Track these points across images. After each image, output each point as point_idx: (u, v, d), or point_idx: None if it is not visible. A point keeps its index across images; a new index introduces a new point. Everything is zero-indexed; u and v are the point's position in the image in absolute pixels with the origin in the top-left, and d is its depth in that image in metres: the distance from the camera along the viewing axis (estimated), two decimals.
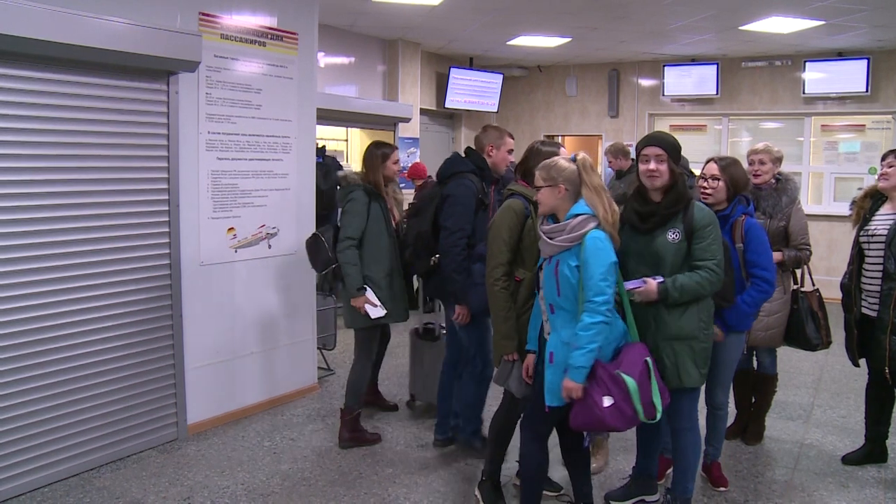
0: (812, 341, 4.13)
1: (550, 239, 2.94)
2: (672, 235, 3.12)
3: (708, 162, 3.66)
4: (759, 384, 4.41)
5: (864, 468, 4.11)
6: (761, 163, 4.17)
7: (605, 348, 2.93)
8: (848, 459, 4.17)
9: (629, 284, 3.09)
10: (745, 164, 3.95)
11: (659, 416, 2.97)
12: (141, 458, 4.12)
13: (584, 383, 2.85)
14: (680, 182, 3.15)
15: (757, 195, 4.15)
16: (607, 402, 2.83)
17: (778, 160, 4.24)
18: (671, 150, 3.15)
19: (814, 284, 4.27)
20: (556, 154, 3.28)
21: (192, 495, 3.72)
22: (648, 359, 2.98)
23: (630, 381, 2.86)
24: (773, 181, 4.21)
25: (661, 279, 3.09)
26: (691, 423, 3.32)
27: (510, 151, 4.13)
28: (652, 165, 3.12)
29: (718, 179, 3.56)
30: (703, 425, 3.94)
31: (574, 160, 3.00)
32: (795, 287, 4.22)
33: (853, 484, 3.93)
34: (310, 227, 5.25)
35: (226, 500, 3.68)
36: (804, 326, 4.12)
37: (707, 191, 3.57)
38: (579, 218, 2.90)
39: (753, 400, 4.46)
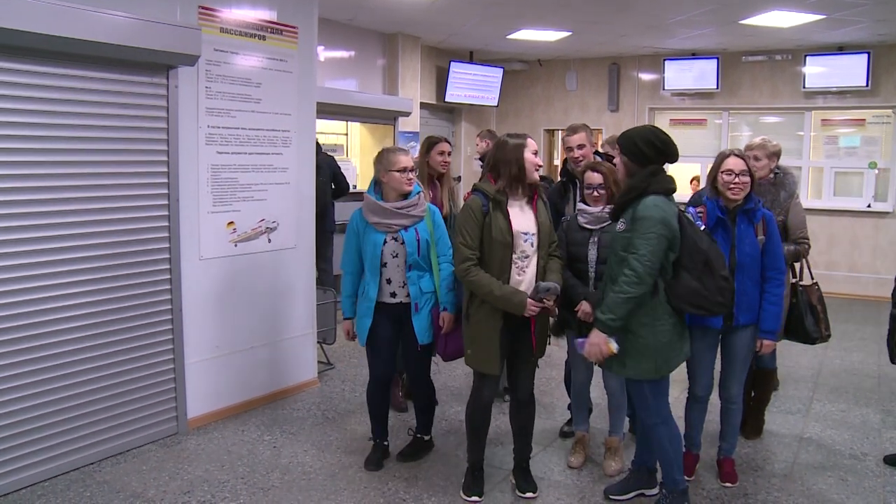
0: (811, 335, 4.13)
1: (409, 212, 3.75)
2: (620, 225, 3.24)
3: (727, 157, 3.63)
4: (758, 379, 4.42)
5: (863, 461, 4.13)
6: (756, 159, 4.13)
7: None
8: (889, 460, 4.13)
9: (578, 347, 3.31)
10: None
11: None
12: (141, 452, 4.13)
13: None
14: (639, 175, 3.21)
15: (756, 190, 4.14)
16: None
17: (775, 154, 4.22)
18: (623, 144, 3.30)
19: (812, 278, 4.27)
20: (524, 144, 3.45)
21: (193, 489, 3.72)
22: None
23: None
24: (772, 176, 4.20)
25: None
26: (661, 417, 3.34)
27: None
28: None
29: (748, 174, 3.58)
30: (711, 419, 3.99)
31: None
32: (794, 281, 4.22)
33: (852, 478, 3.94)
34: (310, 222, 5.26)
35: (226, 493, 3.68)
36: (803, 320, 4.12)
37: (739, 186, 3.56)
38: (421, 194, 3.84)
39: (753, 394, 4.46)
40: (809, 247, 4.21)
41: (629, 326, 3.18)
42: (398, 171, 3.72)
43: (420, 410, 4.14)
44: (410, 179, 3.76)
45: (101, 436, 3.99)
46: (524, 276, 3.44)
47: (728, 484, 3.81)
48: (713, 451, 3.97)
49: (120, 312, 4.02)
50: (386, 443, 4.08)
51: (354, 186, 8.48)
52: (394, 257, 3.75)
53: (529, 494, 3.66)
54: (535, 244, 3.46)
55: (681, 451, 3.43)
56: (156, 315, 4.22)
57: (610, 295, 3.15)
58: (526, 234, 3.44)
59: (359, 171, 8.82)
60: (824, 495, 3.74)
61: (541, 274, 3.48)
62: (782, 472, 4.00)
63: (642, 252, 3.08)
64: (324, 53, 8.08)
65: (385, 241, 3.74)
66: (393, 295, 3.79)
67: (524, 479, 3.72)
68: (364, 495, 3.69)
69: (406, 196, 3.77)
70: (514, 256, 3.42)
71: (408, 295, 3.78)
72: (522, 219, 3.45)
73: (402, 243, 3.74)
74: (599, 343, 3.17)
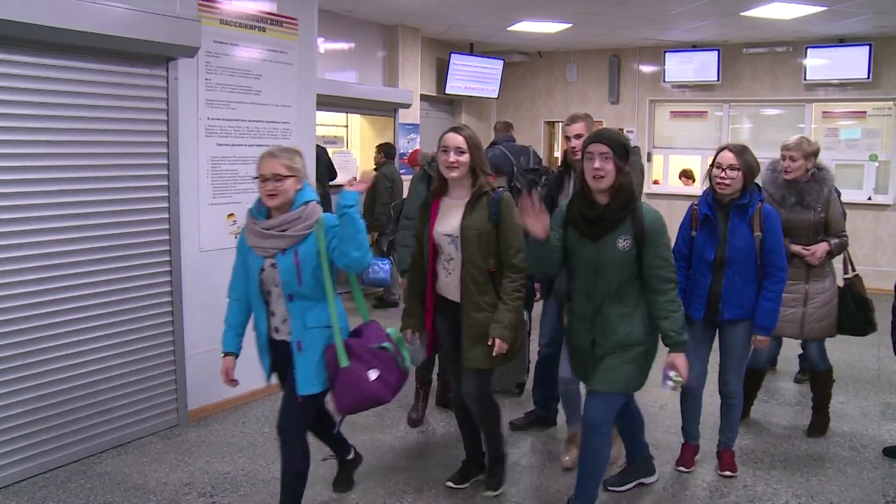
0: (870, 326, 4.17)
1: (284, 231, 2.92)
2: (622, 243, 2.98)
3: (721, 150, 3.59)
4: (814, 381, 4.47)
5: (863, 453, 4.14)
6: (792, 159, 4.08)
7: (345, 328, 3.09)
8: (889, 452, 4.14)
9: (662, 382, 3.10)
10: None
11: (409, 362, 3.20)
12: (142, 443, 4.13)
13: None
14: (626, 182, 2.99)
15: (799, 189, 4.10)
16: (373, 375, 2.99)
17: (812, 154, 4.13)
18: (617, 147, 2.95)
19: (854, 270, 4.27)
20: (441, 139, 3.32)
21: (193, 481, 3.73)
22: (389, 330, 3.21)
23: (390, 346, 3.10)
24: (810, 174, 4.13)
25: (675, 359, 3.06)
26: (608, 429, 3.13)
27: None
28: (597, 164, 2.92)
29: (737, 169, 3.50)
30: (712, 413, 3.99)
31: (296, 150, 3.05)
32: (845, 276, 4.22)
33: (851, 469, 3.95)
34: None
35: (226, 485, 3.69)
36: (855, 313, 4.15)
37: (725, 181, 3.51)
38: (312, 204, 2.98)
39: (813, 396, 4.49)
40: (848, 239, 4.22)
41: (642, 339, 3.07)
42: (257, 178, 2.95)
43: (287, 485, 3.12)
44: (270, 192, 2.90)
45: (102, 427, 4.00)
46: (450, 278, 3.34)
47: (728, 473, 3.82)
48: (713, 443, 3.98)
49: (120, 304, 4.02)
50: (350, 457, 3.61)
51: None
52: (276, 286, 2.99)
53: (489, 493, 3.58)
54: (459, 247, 3.28)
55: (604, 469, 3.25)
56: (156, 307, 4.22)
57: (672, 315, 3.01)
58: (448, 235, 3.30)
59: (359, 164, 8.82)
60: (823, 487, 3.75)
61: (483, 286, 3.27)
62: (782, 464, 4.01)
63: (671, 261, 3.05)
64: (324, 45, 8.06)
65: (263, 268, 2.99)
66: (276, 331, 3.08)
67: (489, 475, 3.64)
68: (365, 487, 3.70)
69: (290, 209, 2.96)
70: (441, 257, 3.35)
71: (290, 332, 3.02)
72: (448, 220, 3.31)
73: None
74: (685, 363, 3.06)
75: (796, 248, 4.09)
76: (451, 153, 3.23)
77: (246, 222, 3.04)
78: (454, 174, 3.26)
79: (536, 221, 2.86)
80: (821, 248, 4.08)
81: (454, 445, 4.17)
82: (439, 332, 3.47)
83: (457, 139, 3.25)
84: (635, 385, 3.13)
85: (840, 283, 4.26)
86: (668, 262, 3.02)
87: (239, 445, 4.18)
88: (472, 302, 3.27)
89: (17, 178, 3.55)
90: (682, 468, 3.86)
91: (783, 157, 4.14)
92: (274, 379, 3.24)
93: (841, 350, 6.21)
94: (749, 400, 4.55)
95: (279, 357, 3.10)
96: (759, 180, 3.73)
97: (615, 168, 2.93)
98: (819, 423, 4.45)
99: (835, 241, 4.14)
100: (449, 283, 3.35)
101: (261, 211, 2.99)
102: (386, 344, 3.10)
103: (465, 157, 3.24)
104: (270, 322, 3.08)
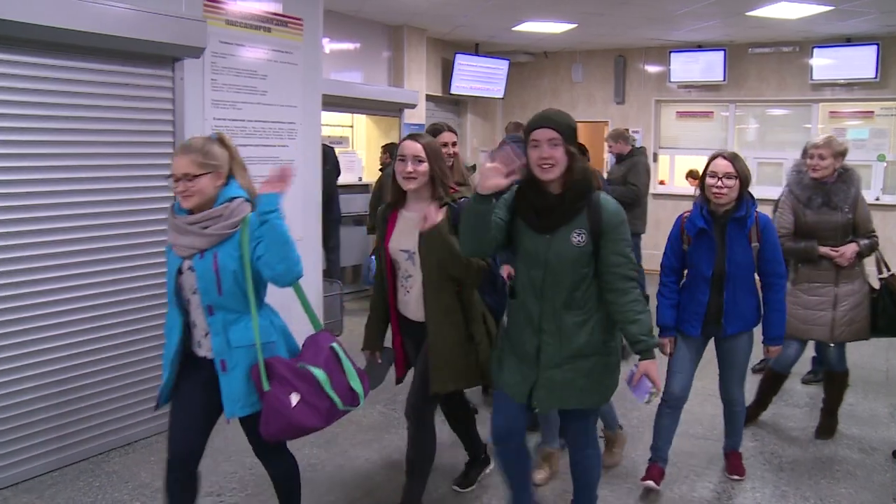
0: None
1: (205, 229, 2.57)
2: (577, 238, 2.64)
3: (713, 158, 3.43)
4: (828, 382, 4.44)
5: (872, 456, 4.12)
6: (821, 157, 4.00)
7: (278, 343, 2.76)
8: None
9: (638, 393, 2.78)
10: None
11: (362, 401, 2.76)
12: (149, 443, 4.14)
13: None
14: (580, 168, 2.66)
15: (826, 190, 4.04)
16: (294, 399, 2.59)
17: (841, 154, 4.07)
18: (566, 130, 2.62)
19: (889, 270, 4.18)
20: (400, 147, 3.08)
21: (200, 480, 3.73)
22: (334, 344, 2.78)
23: (317, 372, 2.65)
24: (836, 174, 4.09)
25: (637, 364, 2.80)
26: (594, 443, 3.01)
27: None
28: (545, 152, 2.59)
29: (733, 177, 3.35)
30: (718, 414, 3.97)
31: (219, 139, 2.68)
32: (881, 276, 4.16)
33: (861, 472, 3.93)
34: (315, 214, 5.26)
35: (234, 485, 3.69)
36: (893, 312, 4.09)
37: (722, 190, 3.34)
38: (237, 201, 2.62)
39: (823, 397, 4.47)
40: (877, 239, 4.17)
41: (599, 349, 2.76)
42: (170, 177, 2.61)
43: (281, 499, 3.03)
44: (183, 193, 2.56)
45: (110, 426, 4.01)
46: (408, 296, 3.15)
47: (735, 476, 3.80)
48: (719, 445, 3.96)
49: (127, 304, 4.03)
50: None
51: (360, 179, 8.49)
52: (193, 294, 2.67)
53: None
54: (417, 264, 3.06)
55: (600, 477, 3.11)
56: (163, 307, 4.18)
57: (640, 318, 2.69)
58: (406, 251, 3.09)
59: (364, 164, 8.82)
60: (833, 490, 3.73)
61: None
62: (790, 466, 3.99)
63: (633, 257, 2.73)
64: (329, 45, 8.06)
65: (181, 270, 2.66)
66: (199, 345, 2.74)
67: None
68: (370, 486, 3.70)
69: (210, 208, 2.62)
70: (399, 273, 3.17)
71: (211, 347, 2.67)
72: (406, 234, 3.09)
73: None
74: (655, 370, 2.76)
75: (824, 249, 4.03)
76: (409, 162, 2.99)
77: (168, 218, 2.72)
78: (412, 185, 3.03)
79: (494, 175, 2.49)
80: (850, 248, 4.02)
81: (457, 447, 4.16)
82: (408, 350, 3.30)
83: (415, 147, 3.01)
84: (598, 399, 2.87)
85: (875, 284, 4.19)
86: (629, 259, 2.69)
87: (245, 445, 4.13)
88: (436, 322, 3.03)
89: (23, 179, 3.56)
90: (650, 483, 3.58)
91: (811, 156, 4.07)
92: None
93: (850, 351, 6.15)
94: (764, 404, 4.53)
95: (195, 374, 2.74)
96: (757, 184, 3.68)
97: (566, 154, 2.61)
98: (828, 425, 4.43)
99: (864, 241, 4.07)
100: (408, 302, 3.15)
101: (183, 209, 2.64)
102: (316, 370, 2.66)
103: (424, 167, 3.00)
104: (193, 335, 2.74)
